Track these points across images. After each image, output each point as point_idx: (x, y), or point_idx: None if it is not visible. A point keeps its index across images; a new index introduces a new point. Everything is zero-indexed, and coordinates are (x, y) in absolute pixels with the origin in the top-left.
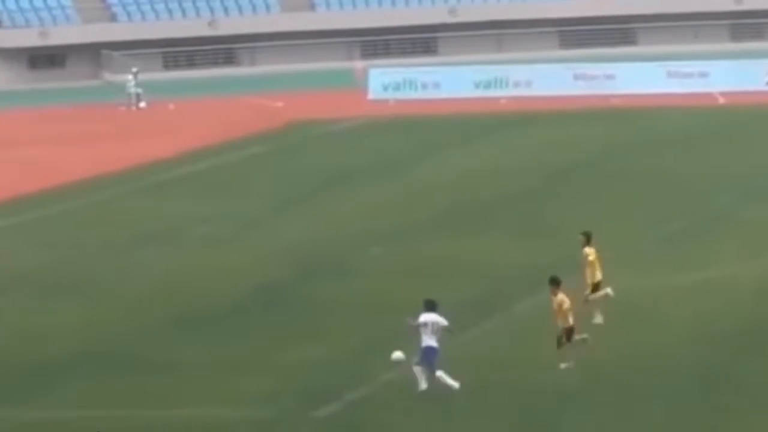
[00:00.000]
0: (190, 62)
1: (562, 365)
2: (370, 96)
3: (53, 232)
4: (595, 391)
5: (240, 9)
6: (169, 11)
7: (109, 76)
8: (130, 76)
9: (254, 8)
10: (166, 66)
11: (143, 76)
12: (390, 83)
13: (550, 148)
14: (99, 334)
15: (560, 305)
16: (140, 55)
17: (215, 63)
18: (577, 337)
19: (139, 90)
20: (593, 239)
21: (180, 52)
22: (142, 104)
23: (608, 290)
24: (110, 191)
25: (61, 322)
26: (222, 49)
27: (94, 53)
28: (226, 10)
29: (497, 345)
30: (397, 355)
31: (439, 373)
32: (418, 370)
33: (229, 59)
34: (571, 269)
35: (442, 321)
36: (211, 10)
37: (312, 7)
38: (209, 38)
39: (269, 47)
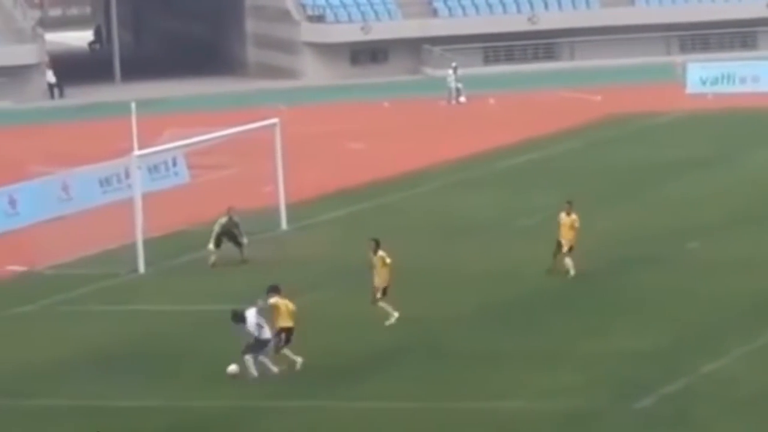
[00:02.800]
0: (510, 57)
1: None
2: (688, 90)
3: (375, 224)
4: None
5: (560, 4)
6: (490, 6)
7: (429, 71)
8: (450, 71)
9: (574, 3)
10: (486, 61)
11: (463, 71)
12: (708, 77)
13: None
14: (419, 325)
15: None
16: (460, 50)
17: (535, 57)
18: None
19: (459, 84)
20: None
21: (500, 46)
22: (462, 99)
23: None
24: (431, 185)
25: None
26: (541, 44)
27: (414, 48)
28: (546, 5)
29: None
30: (232, 368)
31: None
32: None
33: (549, 54)
34: None
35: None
36: (531, 5)
37: (631, 1)
38: (529, 33)
39: (588, 41)
